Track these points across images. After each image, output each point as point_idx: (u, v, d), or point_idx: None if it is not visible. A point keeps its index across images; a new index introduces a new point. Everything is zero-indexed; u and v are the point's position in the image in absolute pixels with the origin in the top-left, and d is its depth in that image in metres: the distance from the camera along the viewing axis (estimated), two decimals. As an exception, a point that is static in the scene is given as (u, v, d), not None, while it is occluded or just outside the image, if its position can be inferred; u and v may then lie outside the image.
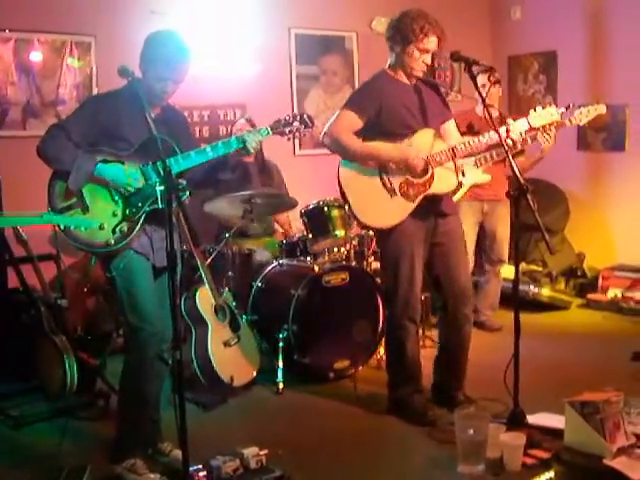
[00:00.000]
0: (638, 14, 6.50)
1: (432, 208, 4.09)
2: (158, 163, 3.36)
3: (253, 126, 5.49)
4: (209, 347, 4.39)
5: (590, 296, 6.69)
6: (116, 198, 3.44)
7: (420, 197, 4.01)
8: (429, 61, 4.00)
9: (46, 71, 5.55)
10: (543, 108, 4.05)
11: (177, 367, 3.02)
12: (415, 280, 4.09)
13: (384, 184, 4.02)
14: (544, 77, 7.43)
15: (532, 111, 4.06)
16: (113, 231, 3.43)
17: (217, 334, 4.46)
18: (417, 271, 4.09)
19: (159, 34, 3.56)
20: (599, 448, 3.28)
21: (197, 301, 4.44)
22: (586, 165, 7.17)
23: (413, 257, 4.07)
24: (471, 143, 4.02)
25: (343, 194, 4.12)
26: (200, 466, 3.28)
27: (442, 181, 4.05)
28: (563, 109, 4.08)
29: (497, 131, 3.81)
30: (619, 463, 3.22)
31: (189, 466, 3.06)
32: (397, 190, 4.01)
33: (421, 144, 4.01)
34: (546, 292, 6.48)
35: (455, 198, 5.40)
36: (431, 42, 3.94)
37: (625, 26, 6.64)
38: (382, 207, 4.03)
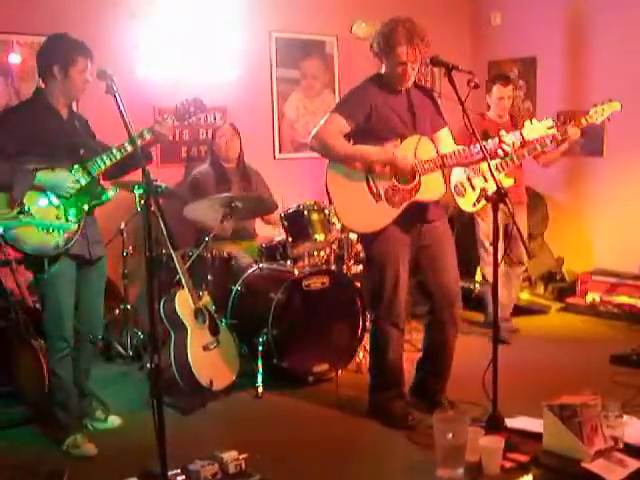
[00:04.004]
0: (617, 20, 6.56)
1: (418, 215, 4.08)
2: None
3: (236, 131, 5.72)
4: (188, 351, 4.37)
5: (569, 300, 6.74)
6: (55, 203, 3.68)
7: (405, 204, 4.00)
8: (412, 72, 3.93)
9: (25, 73, 5.49)
10: (539, 121, 4.03)
11: (155, 371, 3.01)
12: (400, 285, 4.08)
13: (370, 189, 4.01)
14: (523, 83, 7.46)
15: (527, 123, 4.04)
16: (60, 233, 3.68)
17: (196, 338, 4.44)
18: (402, 276, 4.08)
19: (59, 36, 3.81)
20: (577, 451, 3.29)
21: (176, 305, 4.42)
22: (565, 170, 7.20)
23: (398, 262, 4.06)
24: (461, 152, 4.01)
25: (329, 197, 4.10)
26: (178, 470, 3.25)
27: (429, 189, 4.03)
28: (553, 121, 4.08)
29: (477, 139, 3.80)
30: (597, 466, 3.23)
31: (167, 470, 3.05)
32: (382, 195, 4.00)
33: (409, 150, 4.00)
34: (525, 296, 6.52)
35: (480, 205, 5.46)
36: (400, 52, 3.87)
37: (604, 32, 6.69)
38: (366, 212, 4.01)
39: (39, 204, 3.65)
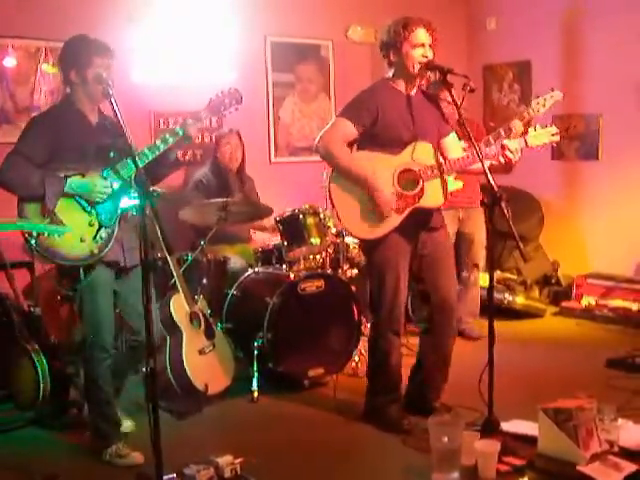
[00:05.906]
0: (612, 24, 6.57)
1: (420, 221, 4.08)
2: (119, 167, 3.66)
3: (241, 140, 5.73)
4: (183, 355, 4.36)
5: (564, 304, 6.74)
6: (88, 209, 3.62)
7: (408, 210, 3.99)
8: (430, 54, 3.96)
9: (20, 77, 5.50)
10: (542, 127, 4.04)
11: (150, 375, 3.01)
12: (400, 291, 4.08)
13: None
14: (518, 87, 7.48)
15: (531, 130, 4.05)
16: (94, 240, 3.61)
17: (192, 342, 4.43)
18: (402, 283, 4.09)
19: (75, 38, 3.74)
20: (572, 455, 3.30)
21: (171, 309, 4.41)
22: (560, 174, 7.22)
23: (399, 269, 4.06)
24: (465, 159, 4.01)
25: (332, 202, 4.08)
26: (174, 475, 3.26)
27: (431, 195, 4.02)
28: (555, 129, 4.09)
29: (473, 142, 3.79)
30: (592, 469, 3.25)
31: (163, 475, 3.04)
32: None
33: (406, 157, 3.99)
34: (520, 300, 6.51)
35: None
36: (420, 34, 3.94)
37: (599, 36, 6.70)
38: (370, 218, 4.00)
39: (72, 212, 3.59)
